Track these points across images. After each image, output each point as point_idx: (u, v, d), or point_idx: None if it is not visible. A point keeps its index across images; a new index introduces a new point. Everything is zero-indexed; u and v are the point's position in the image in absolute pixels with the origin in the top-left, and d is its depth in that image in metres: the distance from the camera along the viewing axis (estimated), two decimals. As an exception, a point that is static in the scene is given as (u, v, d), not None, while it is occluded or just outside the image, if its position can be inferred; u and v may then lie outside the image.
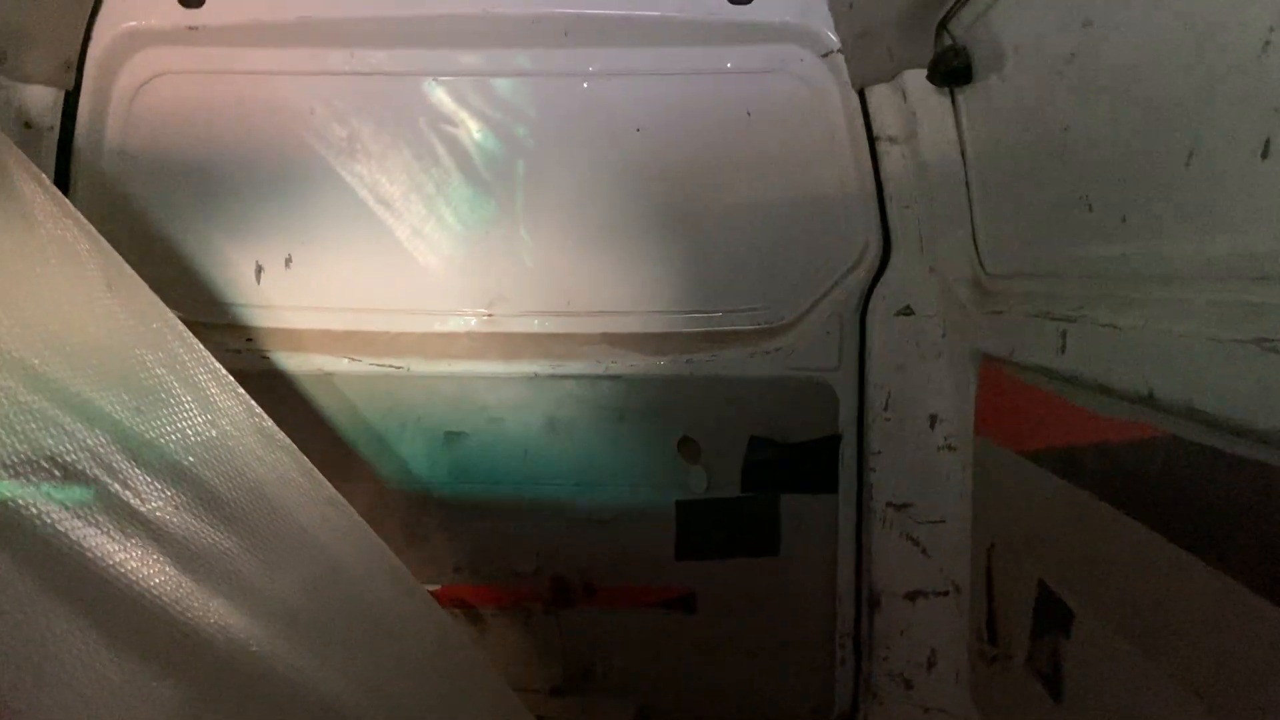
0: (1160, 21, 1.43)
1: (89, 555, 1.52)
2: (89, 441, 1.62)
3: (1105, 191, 1.69)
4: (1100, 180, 1.70)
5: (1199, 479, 1.27)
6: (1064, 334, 1.79)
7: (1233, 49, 1.23)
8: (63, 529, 1.49)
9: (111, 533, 1.58)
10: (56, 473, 1.52)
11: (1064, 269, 1.94)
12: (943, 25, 2.33)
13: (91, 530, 1.54)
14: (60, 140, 2.71)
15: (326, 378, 2.96)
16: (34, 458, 1.49)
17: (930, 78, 2.40)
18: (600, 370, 2.92)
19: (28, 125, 2.65)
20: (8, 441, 1.46)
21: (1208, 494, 1.26)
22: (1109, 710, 1.63)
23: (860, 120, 2.68)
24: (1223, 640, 1.25)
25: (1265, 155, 1.17)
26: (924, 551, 2.76)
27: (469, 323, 2.97)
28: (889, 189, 2.70)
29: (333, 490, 2.23)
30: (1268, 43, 1.14)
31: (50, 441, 1.54)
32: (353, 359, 2.95)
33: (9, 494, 1.43)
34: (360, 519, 2.30)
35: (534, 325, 2.96)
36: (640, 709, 3.02)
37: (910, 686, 2.82)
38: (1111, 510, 1.55)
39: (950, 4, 2.22)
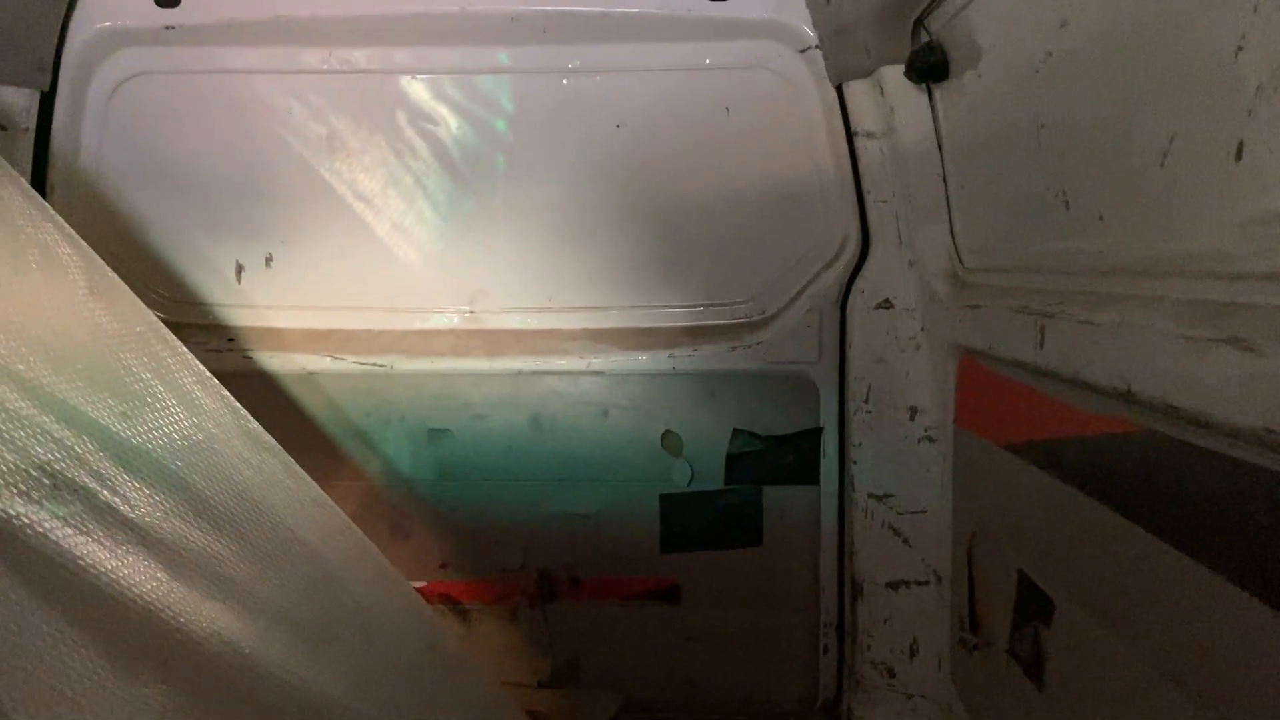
0: (1135, 23, 1.45)
1: (81, 563, 1.53)
2: (78, 449, 1.62)
3: (1082, 189, 1.71)
4: (1077, 178, 1.72)
5: (1177, 473, 1.30)
6: (1041, 329, 1.81)
7: (1207, 52, 1.25)
8: (54, 538, 1.49)
9: (102, 540, 1.58)
10: (46, 481, 1.52)
11: (1041, 264, 1.96)
12: (919, 22, 2.35)
13: (82, 538, 1.54)
14: (36, 142, 2.69)
15: (309, 377, 2.96)
16: (23, 467, 1.49)
17: (907, 74, 2.41)
18: (583, 366, 2.93)
19: (2, 127, 2.63)
20: (-1, 451, 1.46)
21: (1185, 487, 1.28)
22: (1089, 697, 1.66)
23: (838, 115, 2.70)
24: (1198, 627, 1.28)
25: (1239, 157, 1.20)
26: (905, 541, 2.79)
27: (451, 320, 2.98)
28: (867, 183, 2.73)
29: (319, 490, 2.23)
30: (1240, 48, 1.17)
31: (39, 450, 1.54)
32: (335, 357, 2.95)
33: (1, 505, 1.43)
34: (346, 518, 2.31)
35: (516, 321, 2.97)
36: (627, 700, 3.05)
37: (893, 675, 2.85)
38: (1091, 502, 1.58)
39: (926, 2, 2.24)
